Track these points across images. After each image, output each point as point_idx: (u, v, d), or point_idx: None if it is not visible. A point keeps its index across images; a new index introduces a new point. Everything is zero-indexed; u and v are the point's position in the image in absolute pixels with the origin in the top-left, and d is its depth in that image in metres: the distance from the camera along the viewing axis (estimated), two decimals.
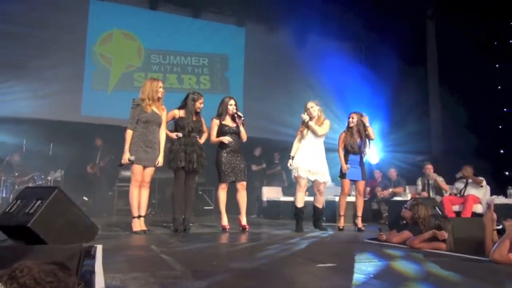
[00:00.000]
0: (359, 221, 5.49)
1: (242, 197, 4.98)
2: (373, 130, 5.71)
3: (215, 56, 10.35)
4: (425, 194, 7.09)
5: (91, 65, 9.11)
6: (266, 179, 9.24)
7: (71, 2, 8.86)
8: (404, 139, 9.44)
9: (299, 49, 10.39)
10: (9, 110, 7.84)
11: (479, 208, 6.42)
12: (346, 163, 5.45)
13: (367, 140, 5.52)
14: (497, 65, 8.08)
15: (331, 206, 6.79)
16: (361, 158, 5.55)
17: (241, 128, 4.98)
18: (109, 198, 8.15)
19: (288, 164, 5.19)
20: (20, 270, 1.29)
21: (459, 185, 6.89)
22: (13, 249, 2.83)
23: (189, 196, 4.86)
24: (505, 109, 7.98)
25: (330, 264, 2.61)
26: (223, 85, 10.32)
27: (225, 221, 4.91)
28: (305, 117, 5.15)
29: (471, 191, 6.66)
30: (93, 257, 2.48)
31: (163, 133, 4.62)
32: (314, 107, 5.22)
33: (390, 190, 7.66)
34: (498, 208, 6.04)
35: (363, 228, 5.44)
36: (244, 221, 4.94)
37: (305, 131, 5.16)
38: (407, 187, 7.79)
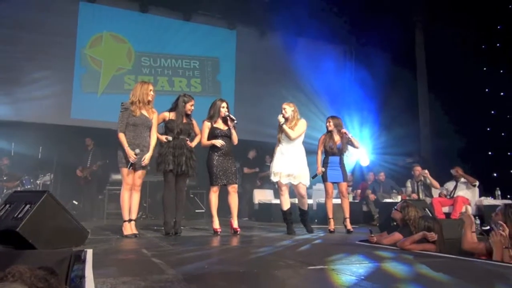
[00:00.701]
0: (347, 223, 5.54)
1: (233, 200, 4.98)
2: (358, 140, 5.79)
3: (206, 59, 10.35)
4: (415, 195, 7.16)
5: (81, 67, 9.05)
6: (259, 181, 9.25)
7: (60, 5, 8.80)
8: (393, 141, 9.53)
9: (290, 52, 10.43)
10: None
11: (468, 210, 6.49)
12: (327, 165, 5.49)
13: (346, 143, 5.58)
14: (484, 68, 8.20)
15: (323, 209, 6.80)
16: (341, 160, 5.60)
17: (233, 131, 4.98)
18: (99, 202, 8.08)
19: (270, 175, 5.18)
20: (12, 274, 1.27)
21: (449, 186, 6.97)
22: (1, 254, 2.80)
23: (180, 199, 4.84)
24: (492, 111, 8.09)
25: (321, 266, 2.62)
26: (214, 88, 10.32)
27: (216, 224, 4.90)
28: (281, 119, 5.13)
29: (461, 192, 6.74)
30: (83, 262, 2.46)
31: (153, 136, 4.60)
32: (287, 108, 5.20)
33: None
34: (487, 210, 6.14)
35: (352, 229, 5.48)
36: (235, 224, 4.94)
37: (281, 135, 5.17)
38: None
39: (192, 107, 4.87)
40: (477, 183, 6.75)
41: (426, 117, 9.56)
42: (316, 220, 7.25)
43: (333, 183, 5.55)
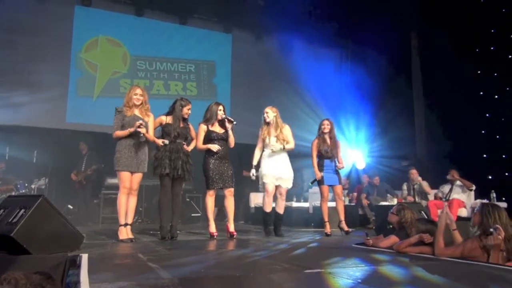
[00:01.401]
0: (343, 225, 5.57)
1: (230, 204, 4.96)
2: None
3: (201, 62, 10.35)
4: (410, 198, 7.18)
5: (76, 71, 9.02)
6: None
7: (56, 8, 8.76)
8: (389, 144, 9.57)
9: (285, 55, 10.47)
10: None
11: (464, 212, 6.53)
12: (322, 169, 5.50)
13: (336, 146, 5.63)
14: (479, 72, 8.25)
15: (320, 212, 6.81)
16: (335, 163, 5.62)
17: (230, 133, 4.98)
18: (94, 206, 8.04)
19: (251, 174, 5.17)
20: (8, 281, 1.26)
21: (445, 188, 7.00)
22: None
23: (176, 203, 4.83)
24: (487, 114, 8.14)
25: (318, 270, 2.61)
26: (210, 91, 10.32)
27: (212, 228, 4.89)
28: (289, 145, 5.22)
29: (456, 195, 6.77)
30: (79, 266, 2.44)
31: (150, 136, 4.58)
32: (269, 113, 5.25)
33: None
34: None
35: (350, 230, 5.51)
36: (232, 227, 4.92)
37: (267, 139, 5.19)
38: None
39: (189, 111, 4.87)
40: (473, 187, 6.79)
41: (421, 120, 9.61)
42: (312, 224, 7.25)
43: (328, 186, 5.57)
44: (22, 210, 3.09)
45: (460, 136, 7.95)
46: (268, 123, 5.23)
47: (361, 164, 10.30)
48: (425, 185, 7.18)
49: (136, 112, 4.50)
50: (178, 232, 4.87)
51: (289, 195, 8.56)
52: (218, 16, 10.38)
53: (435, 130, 8.82)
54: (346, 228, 5.51)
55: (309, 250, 3.97)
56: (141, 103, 4.53)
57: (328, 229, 5.50)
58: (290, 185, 5.24)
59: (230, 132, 4.99)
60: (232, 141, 5.02)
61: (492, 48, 8.19)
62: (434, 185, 7.32)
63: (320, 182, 5.53)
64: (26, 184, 7.52)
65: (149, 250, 3.70)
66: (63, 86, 8.75)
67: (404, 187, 7.41)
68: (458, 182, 6.93)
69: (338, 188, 5.61)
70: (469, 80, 8.03)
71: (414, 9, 9.37)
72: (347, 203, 7.89)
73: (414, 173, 7.19)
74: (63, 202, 7.55)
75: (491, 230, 2.87)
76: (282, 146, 5.15)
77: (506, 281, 2.41)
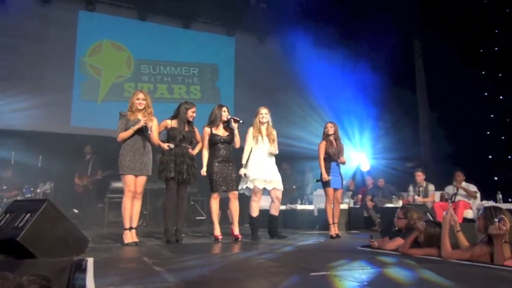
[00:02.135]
0: (335, 227, 5.57)
1: (234, 207, 4.96)
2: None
3: (205, 66, 10.39)
4: (419, 199, 7.07)
5: (80, 75, 9.08)
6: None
7: (60, 14, 8.85)
8: (393, 146, 9.54)
9: (288, 58, 10.48)
10: None
11: (470, 214, 6.48)
12: (329, 171, 5.50)
13: (341, 149, 5.67)
14: (483, 72, 8.22)
15: (324, 215, 6.79)
16: (339, 166, 5.66)
17: (236, 132, 4.98)
18: (99, 210, 8.06)
19: (242, 174, 5.04)
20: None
21: (450, 190, 6.95)
22: (2, 264, 2.78)
23: (181, 206, 4.83)
24: (492, 115, 8.10)
25: (323, 273, 2.60)
26: (214, 94, 10.34)
27: (217, 231, 4.89)
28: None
29: (462, 197, 6.72)
30: (84, 270, 2.45)
31: (155, 140, 4.59)
32: (268, 115, 5.25)
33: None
34: None
35: (340, 235, 5.53)
36: (236, 230, 4.92)
37: (259, 137, 5.16)
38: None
39: (194, 114, 4.86)
40: (477, 195, 6.74)
41: (425, 121, 9.58)
42: (317, 226, 7.24)
43: (334, 189, 5.57)
44: (28, 215, 3.10)
45: (465, 137, 7.92)
46: (263, 124, 5.22)
47: (365, 166, 10.26)
48: (430, 189, 7.12)
49: (140, 116, 4.52)
50: (183, 235, 4.87)
51: (293, 198, 8.59)
52: (221, 19, 10.42)
53: (440, 131, 8.79)
54: (337, 231, 5.55)
55: (314, 252, 3.95)
56: (144, 107, 4.54)
57: (333, 231, 5.50)
58: (280, 186, 5.18)
59: (236, 131, 4.99)
60: (237, 141, 5.02)
61: (496, 48, 8.16)
62: (439, 187, 7.28)
63: (326, 184, 5.52)
64: (32, 189, 7.55)
65: (154, 253, 3.70)
66: (67, 90, 8.81)
67: (410, 188, 7.36)
68: (463, 183, 6.88)
69: (339, 193, 5.66)
70: (474, 81, 8.00)
71: (417, 11, 9.36)
72: (352, 205, 7.87)
73: (419, 175, 7.13)
74: (68, 206, 7.57)
75: (496, 220, 2.84)
76: (274, 149, 5.13)
77: None
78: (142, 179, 4.47)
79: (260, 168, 5.06)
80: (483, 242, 3.00)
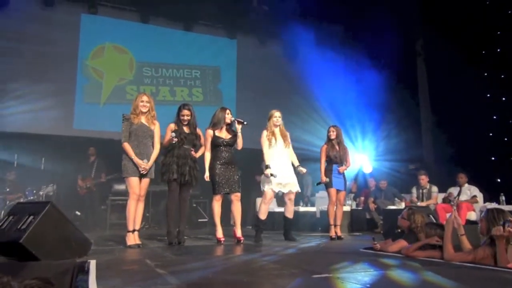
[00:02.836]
0: (338, 229, 5.62)
1: (236, 209, 4.96)
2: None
3: (207, 68, 10.40)
4: (422, 204, 7.04)
5: (83, 78, 9.10)
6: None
7: (62, 17, 8.87)
8: (396, 148, 9.52)
9: (290, 60, 10.49)
10: (0, 125, 7.80)
11: (473, 216, 6.46)
12: (331, 173, 5.54)
13: (345, 153, 5.72)
14: (485, 74, 8.20)
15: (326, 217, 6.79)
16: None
17: (239, 134, 4.99)
18: (102, 212, 8.06)
19: (269, 174, 5.01)
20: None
21: (453, 192, 6.93)
22: (5, 266, 2.79)
23: (183, 208, 4.84)
24: (494, 117, 8.08)
25: (326, 275, 2.60)
26: (216, 97, 10.35)
27: (220, 233, 4.89)
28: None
29: (464, 198, 6.71)
30: (87, 273, 2.45)
31: (156, 145, 4.61)
32: (280, 118, 5.31)
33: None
34: None
35: (342, 237, 5.58)
36: (239, 232, 4.92)
37: (273, 140, 5.19)
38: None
39: (187, 117, 4.82)
40: (478, 201, 6.73)
41: (428, 123, 9.56)
42: (319, 228, 7.23)
43: (336, 189, 5.58)
44: (31, 217, 3.11)
45: (468, 138, 7.89)
46: (276, 126, 5.25)
47: (368, 168, 10.25)
48: (433, 190, 7.09)
49: (143, 119, 4.53)
50: (185, 237, 4.87)
51: (296, 200, 8.58)
52: (222, 22, 10.44)
53: (442, 132, 8.77)
54: (339, 233, 5.59)
55: (317, 254, 3.95)
56: (148, 110, 4.56)
57: (333, 232, 5.52)
58: (298, 188, 5.21)
59: (239, 133, 5.00)
60: (240, 143, 5.03)
61: (498, 50, 8.14)
62: (442, 188, 7.26)
63: (328, 185, 5.56)
64: (35, 191, 7.57)
65: (156, 256, 3.71)
66: (70, 93, 8.84)
67: (414, 190, 7.34)
68: (466, 185, 6.86)
69: (342, 195, 5.70)
70: (476, 82, 7.98)
71: (419, 13, 9.35)
72: (354, 207, 7.86)
73: (423, 178, 7.10)
74: (71, 209, 7.57)
75: (502, 222, 2.83)
76: (303, 169, 5.27)
77: None
78: (145, 182, 4.49)
79: (275, 171, 5.06)
80: (485, 244, 2.99)
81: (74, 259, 2.96)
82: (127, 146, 4.41)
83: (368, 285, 2.26)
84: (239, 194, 4.97)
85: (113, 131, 7.16)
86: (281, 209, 7.73)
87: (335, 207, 5.62)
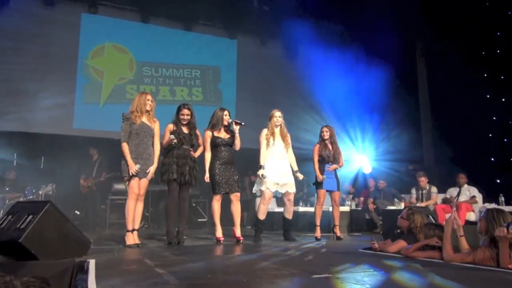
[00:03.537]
0: (337, 230, 5.62)
1: (236, 209, 4.96)
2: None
3: (207, 68, 10.40)
4: (422, 204, 7.04)
5: (83, 78, 9.10)
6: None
7: (62, 16, 8.87)
8: (395, 148, 9.52)
9: (291, 60, 10.49)
10: (0, 124, 7.80)
11: (472, 216, 6.46)
12: (323, 173, 5.54)
13: (338, 153, 5.71)
14: (485, 75, 8.21)
15: (325, 217, 6.78)
16: (335, 169, 5.68)
17: (237, 135, 5.00)
18: (101, 212, 8.06)
19: (260, 175, 5.05)
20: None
21: (452, 192, 6.93)
22: (4, 266, 2.78)
23: (183, 208, 4.84)
24: (494, 117, 8.09)
25: (326, 275, 2.60)
26: (216, 97, 10.36)
27: (219, 233, 4.89)
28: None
29: (464, 199, 6.71)
30: (86, 272, 2.45)
31: (157, 145, 4.61)
32: (281, 117, 5.30)
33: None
34: None
35: (342, 237, 5.57)
36: (238, 232, 4.92)
37: (271, 140, 5.18)
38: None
39: (187, 116, 4.83)
40: (477, 201, 6.73)
41: (428, 124, 9.56)
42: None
43: (327, 191, 5.58)
44: (30, 216, 3.11)
45: (467, 139, 7.90)
46: (276, 126, 5.24)
47: (367, 169, 10.25)
48: (433, 191, 7.09)
49: (144, 119, 4.52)
50: (184, 237, 4.87)
51: (296, 200, 8.57)
52: (222, 22, 10.44)
53: (442, 133, 8.77)
54: (338, 234, 5.58)
55: (316, 255, 3.95)
56: (151, 109, 4.57)
57: (318, 233, 5.52)
58: (293, 189, 5.20)
59: (237, 134, 5.00)
60: (238, 144, 5.04)
61: (498, 51, 8.15)
62: (442, 189, 7.26)
63: (318, 186, 5.55)
64: (34, 190, 7.57)
65: (156, 255, 3.71)
66: (70, 92, 8.84)
67: (413, 191, 7.34)
68: (466, 186, 6.86)
69: (336, 195, 5.68)
70: (476, 83, 8.00)
71: (419, 14, 9.35)
72: (353, 207, 7.86)
73: (423, 180, 7.10)
74: (70, 208, 7.58)
75: (506, 224, 2.83)
76: (300, 175, 5.26)
77: None
78: (145, 182, 4.49)
79: (273, 171, 5.07)
80: (485, 245, 2.99)
81: (74, 259, 2.96)
82: (125, 147, 4.40)
83: (367, 285, 2.26)
84: (238, 194, 4.97)
85: (113, 130, 7.16)
86: (281, 209, 7.73)
87: (322, 208, 5.62)
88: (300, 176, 5.31)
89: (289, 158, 5.30)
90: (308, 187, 8.84)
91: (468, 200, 6.70)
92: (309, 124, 9.68)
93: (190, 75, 10.22)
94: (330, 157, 5.59)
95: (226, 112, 5.06)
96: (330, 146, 5.65)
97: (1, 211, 6.90)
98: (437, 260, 3.24)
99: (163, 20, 9.88)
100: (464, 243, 3.21)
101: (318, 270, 2.81)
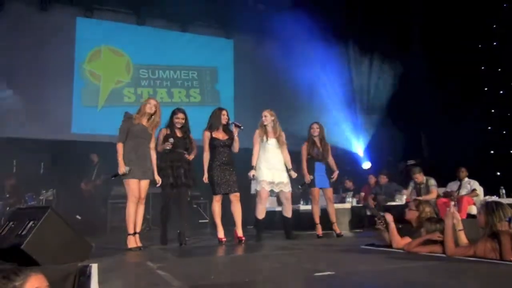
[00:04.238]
0: (335, 227, 5.58)
1: (236, 209, 4.95)
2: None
3: (204, 69, 10.39)
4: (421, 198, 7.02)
5: (80, 82, 9.09)
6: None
7: (58, 20, 8.86)
8: (394, 142, 9.51)
9: (288, 59, 10.46)
10: None
11: (473, 210, 6.46)
12: (313, 171, 5.50)
13: (327, 149, 5.65)
14: (482, 67, 8.22)
15: (323, 215, 6.77)
16: (327, 166, 5.64)
17: (236, 138, 4.99)
18: (102, 215, 8.04)
19: (251, 175, 5.05)
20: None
21: (453, 186, 6.93)
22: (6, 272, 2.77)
23: (183, 210, 4.84)
24: (492, 110, 8.09)
25: (328, 273, 2.60)
26: (214, 97, 10.34)
27: (221, 233, 4.88)
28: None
29: (465, 192, 6.71)
30: (89, 276, 2.44)
31: (153, 150, 4.60)
32: (268, 116, 5.23)
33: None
34: None
35: (342, 234, 5.55)
36: (240, 232, 4.91)
37: (264, 139, 5.15)
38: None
39: (181, 120, 4.84)
40: (478, 195, 6.73)
41: (426, 118, 9.55)
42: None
43: (320, 188, 5.56)
44: (31, 222, 3.10)
45: (466, 133, 7.90)
46: (265, 126, 5.22)
47: (366, 164, 10.25)
48: (431, 183, 7.04)
49: (144, 122, 4.51)
50: (186, 239, 4.87)
51: (296, 199, 8.57)
52: (218, 22, 10.43)
53: (440, 127, 8.77)
54: (338, 231, 5.55)
55: (318, 252, 3.95)
56: (154, 112, 4.54)
57: (319, 231, 5.50)
58: (289, 188, 5.18)
59: (236, 137, 5.00)
60: (236, 146, 5.03)
61: (495, 43, 8.16)
62: (442, 183, 7.25)
63: (310, 185, 5.52)
64: (34, 196, 7.55)
65: (158, 258, 3.70)
66: (67, 97, 8.82)
67: (411, 184, 7.32)
68: (466, 179, 6.86)
69: (329, 192, 5.64)
70: (473, 76, 8.00)
71: (416, 6, 9.35)
72: (354, 204, 7.85)
73: (417, 177, 7.03)
74: (71, 213, 7.56)
75: (507, 219, 2.84)
76: (293, 173, 5.21)
77: None
78: (145, 184, 4.46)
79: (267, 170, 5.06)
80: (485, 238, 3.00)
81: (76, 263, 2.95)
82: (120, 147, 4.39)
83: (370, 281, 2.26)
84: (238, 194, 4.96)
85: (112, 134, 7.14)
86: (281, 208, 7.74)
87: (319, 206, 5.61)
88: (294, 175, 5.27)
89: (284, 157, 5.26)
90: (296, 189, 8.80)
91: (469, 194, 6.69)
92: (307, 123, 9.67)
93: (187, 76, 10.21)
94: (319, 155, 5.53)
95: (224, 112, 5.05)
96: (318, 143, 5.60)
97: (2, 218, 6.88)
98: (440, 254, 3.24)
99: (159, 21, 9.87)
100: (463, 237, 3.21)
101: (321, 268, 2.81)
